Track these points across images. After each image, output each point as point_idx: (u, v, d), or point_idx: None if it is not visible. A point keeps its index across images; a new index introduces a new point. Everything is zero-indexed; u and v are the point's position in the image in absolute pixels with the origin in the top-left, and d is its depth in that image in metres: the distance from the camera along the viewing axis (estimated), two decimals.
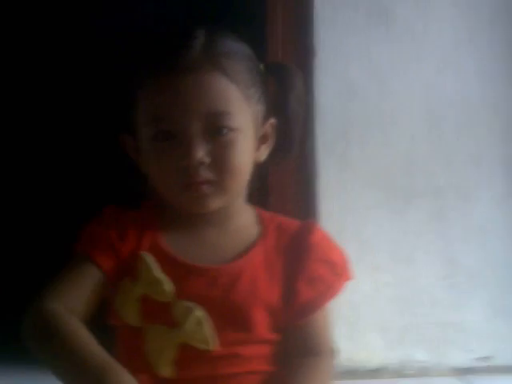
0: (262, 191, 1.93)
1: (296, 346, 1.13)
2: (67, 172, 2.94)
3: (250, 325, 1.08)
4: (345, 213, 2.15)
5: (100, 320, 1.13)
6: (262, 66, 1.17)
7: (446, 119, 2.21)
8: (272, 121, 1.17)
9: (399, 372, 2.19)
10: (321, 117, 2.09)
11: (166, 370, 1.05)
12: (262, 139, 1.16)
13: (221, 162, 1.07)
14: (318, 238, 1.16)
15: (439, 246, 2.21)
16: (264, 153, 1.18)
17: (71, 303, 1.06)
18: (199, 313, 1.06)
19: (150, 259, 1.09)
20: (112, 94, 1.27)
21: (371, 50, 2.16)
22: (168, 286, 1.07)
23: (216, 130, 1.07)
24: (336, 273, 1.14)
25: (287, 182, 2.09)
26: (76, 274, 1.09)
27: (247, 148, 1.11)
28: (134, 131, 1.14)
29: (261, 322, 1.09)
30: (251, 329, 1.08)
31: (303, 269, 1.12)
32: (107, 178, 2.61)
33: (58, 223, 2.72)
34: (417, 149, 2.19)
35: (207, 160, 1.06)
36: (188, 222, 1.14)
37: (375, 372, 2.18)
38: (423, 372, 2.20)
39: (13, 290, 2.60)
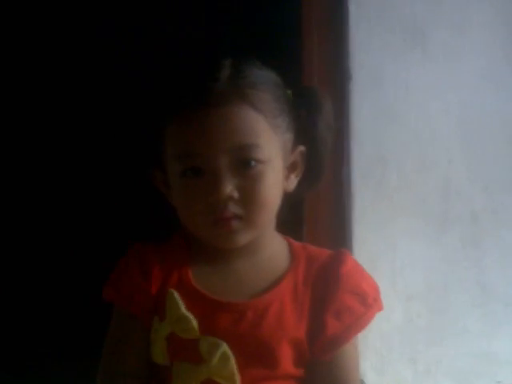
0: (296, 219, 1.91)
1: (324, 381, 1.11)
2: (97, 206, 2.92)
3: (275, 361, 1.07)
4: (379, 240, 2.10)
5: None
6: (289, 92, 1.15)
7: (484, 142, 2.16)
8: (301, 148, 1.15)
9: None
10: (357, 142, 2.04)
11: None
12: (290, 168, 1.14)
13: (250, 197, 1.05)
14: (349, 267, 1.13)
15: (474, 274, 2.17)
16: (293, 182, 1.15)
17: (131, 367, 1.12)
18: (225, 349, 1.05)
19: (177, 296, 1.09)
20: (139, 129, 1.24)
21: (407, 72, 2.11)
22: (194, 322, 1.07)
23: (244, 163, 1.05)
24: (366, 304, 1.11)
25: (322, 210, 2.05)
26: (125, 335, 1.14)
27: (276, 179, 1.09)
28: (163, 166, 1.13)
29: (286, 357, 1.07)
30: (276, 365, 1.07)
31: (332, 300, 1.10)
32: (138, 210, 2.59)
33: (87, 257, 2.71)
34: (454, 173, 2.14)
35: (236, 195, 1.04)
36: (216, 255, 1.14)
37: None
38: None
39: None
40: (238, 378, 1.05)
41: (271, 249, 1.16)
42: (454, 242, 2.15)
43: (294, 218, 1.20)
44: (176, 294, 1.09)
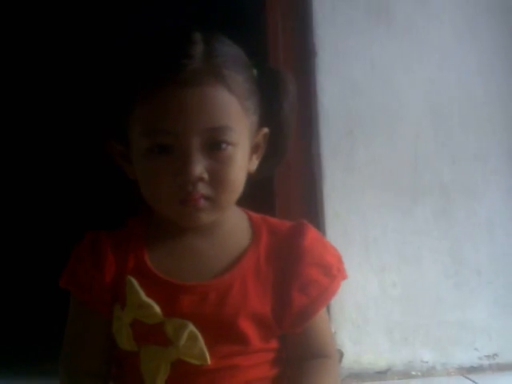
0: (268, 195, 1.93)
1: (299, 352, 1.11)
2: (54, 193, 2.88)
3: (242, 337, 1.06)
4: (351, 214, 2.13)
5: None
6: (255, 73, 1.13)
7: (451, 116, 2.20)
8: (265, 130, 1.13)
9: (406, 373, 2.18)
10: (325, 117, 2.07)
11: None
12: (254, 149, 1.13)
13: (219, 179, 1.04)
14: (310, 239, 1.12)
15: (446, 245, 2.21)
16: (255, 163, 1.14)
17: (89, 364, 1.12)
18: (192, 328, 1.04)
19: (135, 284, 1.07)
20: (104, 99, 1.21)
21: (372, 48, 2.14)
22: (156, 308, 1.06)
23: (215, 145, 1.04)
24: (330, 275, 1.10)
25: (293, 185, 2.07)
26: (82, 327, 1.14)
27: (244, 161, 1.09)
28: (125, 139, 1.10)
29: (253, 333, 1.07)
30: (244, 341, 1.06)
31: (296, 274, 1.09)
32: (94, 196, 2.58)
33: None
34: (422, 147, 2.18)
35: (205, 176, 1.03)
36: (174, 235, 1.12)
37: (382, 374, 2.17)
38: (430, 372, 2.19)
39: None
40: (207, 355, 1.04)
41: (230, 224, 1.14)
42: (425, 213, 2.18)
43: (265, 193, 1.20)
44: (134, 281, 1.07)
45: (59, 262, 1.20)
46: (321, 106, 2.07)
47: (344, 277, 1.12)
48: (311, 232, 1.13)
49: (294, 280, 1.09)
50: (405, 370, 2.18)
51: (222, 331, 1.05)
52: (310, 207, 2.11)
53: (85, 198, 2.62)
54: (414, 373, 2.19)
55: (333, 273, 1.11)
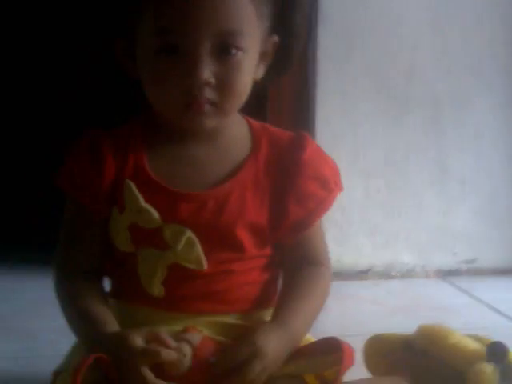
0: (260, 97, 1.94)
1: (293, 259, 1.14)
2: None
3: (239, 245, 1.08)
4: (341, 119, 2.15)
5: None
6: None
7: (451, 28, 2.18)
8: (275, 39, 1.11)
9: (386, 274, 2.25)
10: (323, 22, 2.05)
11: (157, 290, 1.07)
12: (262, 56, 1.10)
13: (226, 85, 1.03)
14: (310, 153, 1.12)
15: (432, 154, 2.23)
16: (262, 70, 1.12)
17: (86, 264, 1.13)
18: (190, 234, 1.06)
19: (134, 189, 1.07)
20: None
21: None
22: (155, 214, 1.07)
23: (225, 49, 1.02)
24: (327, 188, 1.11)
25: (286, 89, 2.08)
26: (79, 228, 1.13)
27: (251, 68, 1.07)
28: (131, 36, 1.08)
29: (249, 241, 1.09)
30: (241, 248, 1.09)
31: (293, 187, 1.10)
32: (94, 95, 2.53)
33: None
34: (418, 57, 2.17)
35: (212, 81, 1.01)
36: (176, 141, 1.11)
37: (362, 273, 2.24)
38: (409, 274, 2.26)
39: None
40: (204, 261, 1.06)
41: (232, 131, 1.13)
42: (415, 123, 2.20)
43: (257, 96, 1.13)
44: (133, 186, 1.07)
45: (56, 158, 1.17)
46: (320, 11, 2.04)
47: (341, 189, 1.13)
48: (311, 145, 1.13)
49: (292, 192, 1.09)
50: (385, 270, 2.25)
51: (218, 238, 1.07)
52: (301, 109, 2.12)
53: (84, 94, 2.59)
54: (393, 273, 2.25)
55: (330, 186, 1.11)
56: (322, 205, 1.11)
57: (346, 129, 2.16)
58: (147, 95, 1.07)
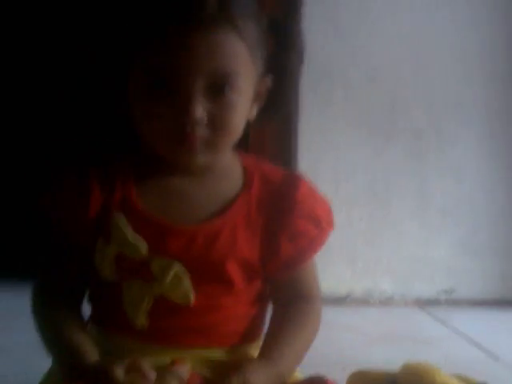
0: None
1: (283, 294, 1.13)
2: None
3: (228, 279, 1.07)
4: (324, 149, 2.18)
5: None
6: (265, 20, 1.09)
7: (432, 64, 2.22)
8: (268, 79, 1.10)
9: (364, 301, 2.27)
10: (307, 54, 2.06)
11: (142, 322, 1.06)
12: (255, 97, 1.10)
13: (219, 124, 1.02)
14: (303, 192, 1.10)
15: (414, 184, 2.26)
16: (254, 111, 1.11)
17: (66, 286, 1.11)
18: (178, 268, 1.04)
19: (122, 221, 1.06)
20: (106, 32, 1.16)
21: None
22: (143, 247, 1.05)
23: (219, 88, 1.01)
24: (320, 227, 1.10)
25: None
26: (60, 252, 1.12)
27: (245, 108, 1.06)
28: (121, 72, 1.07)
29: (239, 276, 1.08)
30: (230, 282, 1.07)
31: (286, 225, 1.08)
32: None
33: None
34: (400, 91, 2.21)
35: (205, 118, 1.01)
36: (165, 175, 1.09)
37: (341, 300, 2.25)
38: (388, 302, 2.29)
39: None
40: (192, 296, 1.05)
41: (223, 167, 1.11)
42: (396, 153, 2.24)
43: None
44: (122, 218, 1.06)
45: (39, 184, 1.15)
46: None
47: (332, 228, 1.12)
48: (304, 185, 1.12)
49: (284, 230, 1.08)
50: (364, 297, 2.27)
51: (207, 272, 1.06)
52: (284, 140, 2.14)
53: (74, 125, 2.58)
54: (372, 301, 2.27)
55: (322, 225, 1.10)
56: (314, 243, 1.11)
57: (328, 156, 2.19)
58: (138, 130, 1.06)
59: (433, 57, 2.22)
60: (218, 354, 1.09)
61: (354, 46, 2.15)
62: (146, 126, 1.05)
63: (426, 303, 2.30)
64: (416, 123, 2.24)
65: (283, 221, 1.09)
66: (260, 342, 1.11)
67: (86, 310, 1.15)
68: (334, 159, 2.19)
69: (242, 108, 1.05)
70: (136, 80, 1.05)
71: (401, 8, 2.17)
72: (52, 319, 1.10)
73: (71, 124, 2.57)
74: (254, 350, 1.11)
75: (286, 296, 1.13)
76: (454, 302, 2.32)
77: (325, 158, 2.18)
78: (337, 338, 1.90)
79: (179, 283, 1.04)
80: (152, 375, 0.96)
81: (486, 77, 2.26)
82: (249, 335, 1.13)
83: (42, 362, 1.12)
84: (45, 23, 2.64)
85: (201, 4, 0.99)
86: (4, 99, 2.67)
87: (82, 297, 1.14)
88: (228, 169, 1.12)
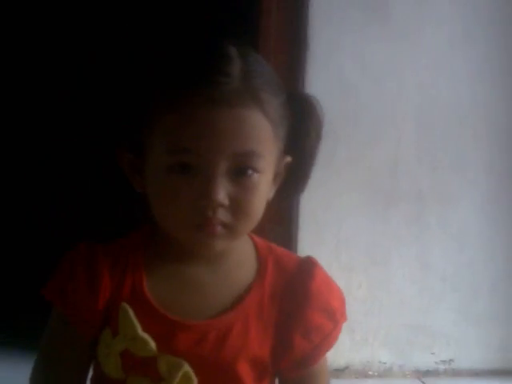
0: None
1: None
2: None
3: (238, 380, 1.02)
4: (325, 212, 2.12)
5: None
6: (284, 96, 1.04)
7: (435, 123, 2.20)
8: (288, 159, 1.05)
9: (363, 372, 2.21)
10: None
11: None
12: (275, 177, 1.05)
13: (241, 207, 0.97)
14: (318, 283, 1.05)
15: (415, 250, 2.22)
16: (273, 192, 1.06)
17: (63, 380, 1.06)
18: (187, 369, 0.99)
19: (132, 315, 1.01)
20: (123, 104, 1.11)
21: (365, 47, 2.11)
22: (151, 344, 1.00)
23: (241, 170, 0.96)
24: (334, 320, 1.05)
25: None
26: (62, 347, 1.06)
27: (266, 190, 1.01)
28: (138, 149, 1.02)
29: (249, 375, 1.02)
30: (239, 383, 1.02)
31: (300, 318, 1.03)
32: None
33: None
34: (403, 152, 2.18)
35: (227, 202, 0.95)
36: (178, 262, 1.05)
37: (340, 372, 2.19)
38: (386, 373, 2.23)
39: None
40: None
41: (237, 254, 1.07)
42: (397, 218, 2.19)
43: None
44: (130, 311, 1.01)
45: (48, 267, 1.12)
46: None
47: (345, 319, 1.08)
48: (319, 274, 1.06)
49: (298, 324, 1.03)
50: (363, 369, 2.22)
51: (216, 372, 1.01)
52: (285, 205, 2.09)
53: (86, 204, 2.55)
54: (371, 373, 2.22)
55: (336, 317, 1.06)
56: (329, 338, 1.05)
57: (329, 221, 2.13)
58: (155, 212, 1.00)
59: (436, 117, 2.19)
60: None
61: (357, 104, 2.12)
62: (163, 207, 0.99)
63: (425, 374, 2.26)
64: (419, 185, 2.20)
65: (297, 314, 1.04)
66: None
67: None
68: (336, 223, 2.14)
69: (264, 190, 1.00)
70: (153, 159, 0.99)
71: (405, 63, 2.15)
72: None
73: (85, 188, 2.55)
74: None
75: None
76: (454, 373, 2.27)
77: (326, 222, 2.13)
78: None
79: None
80: None
81: (491, 139, 2.23)
82: None
83: None
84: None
85: (225, 76, 0.94)
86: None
87: None
88: (242, 255, 1.08)
